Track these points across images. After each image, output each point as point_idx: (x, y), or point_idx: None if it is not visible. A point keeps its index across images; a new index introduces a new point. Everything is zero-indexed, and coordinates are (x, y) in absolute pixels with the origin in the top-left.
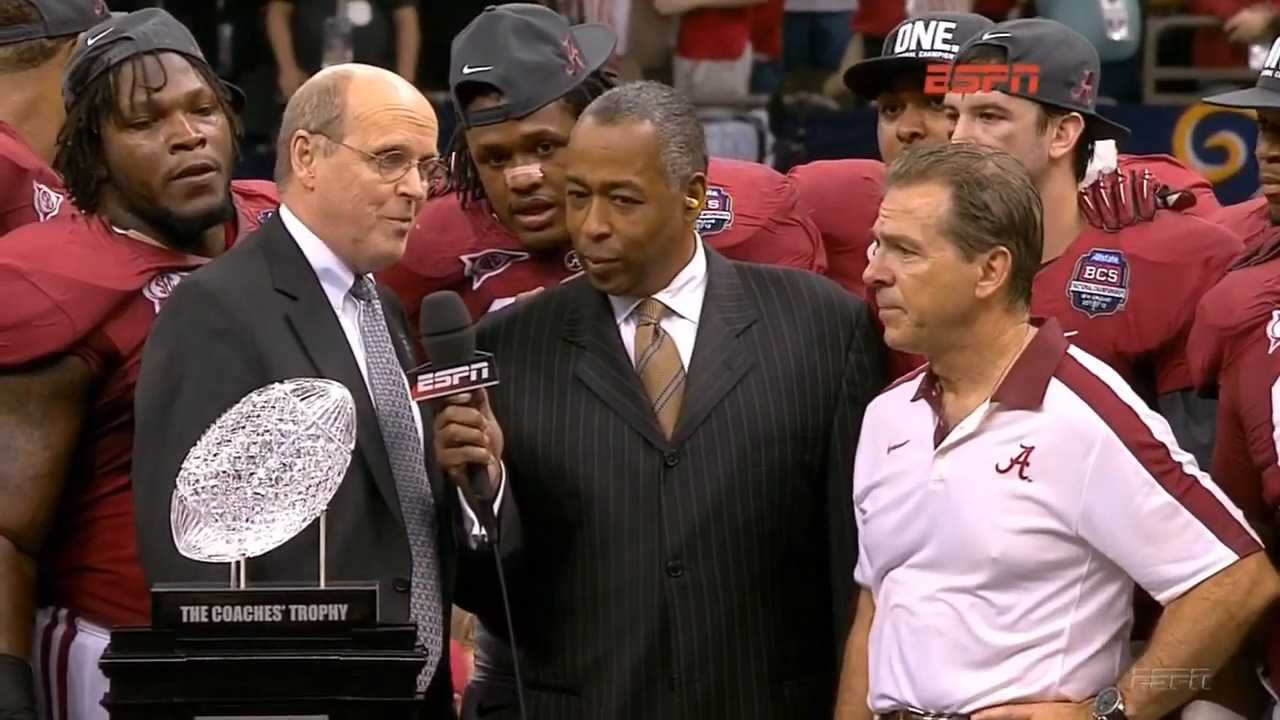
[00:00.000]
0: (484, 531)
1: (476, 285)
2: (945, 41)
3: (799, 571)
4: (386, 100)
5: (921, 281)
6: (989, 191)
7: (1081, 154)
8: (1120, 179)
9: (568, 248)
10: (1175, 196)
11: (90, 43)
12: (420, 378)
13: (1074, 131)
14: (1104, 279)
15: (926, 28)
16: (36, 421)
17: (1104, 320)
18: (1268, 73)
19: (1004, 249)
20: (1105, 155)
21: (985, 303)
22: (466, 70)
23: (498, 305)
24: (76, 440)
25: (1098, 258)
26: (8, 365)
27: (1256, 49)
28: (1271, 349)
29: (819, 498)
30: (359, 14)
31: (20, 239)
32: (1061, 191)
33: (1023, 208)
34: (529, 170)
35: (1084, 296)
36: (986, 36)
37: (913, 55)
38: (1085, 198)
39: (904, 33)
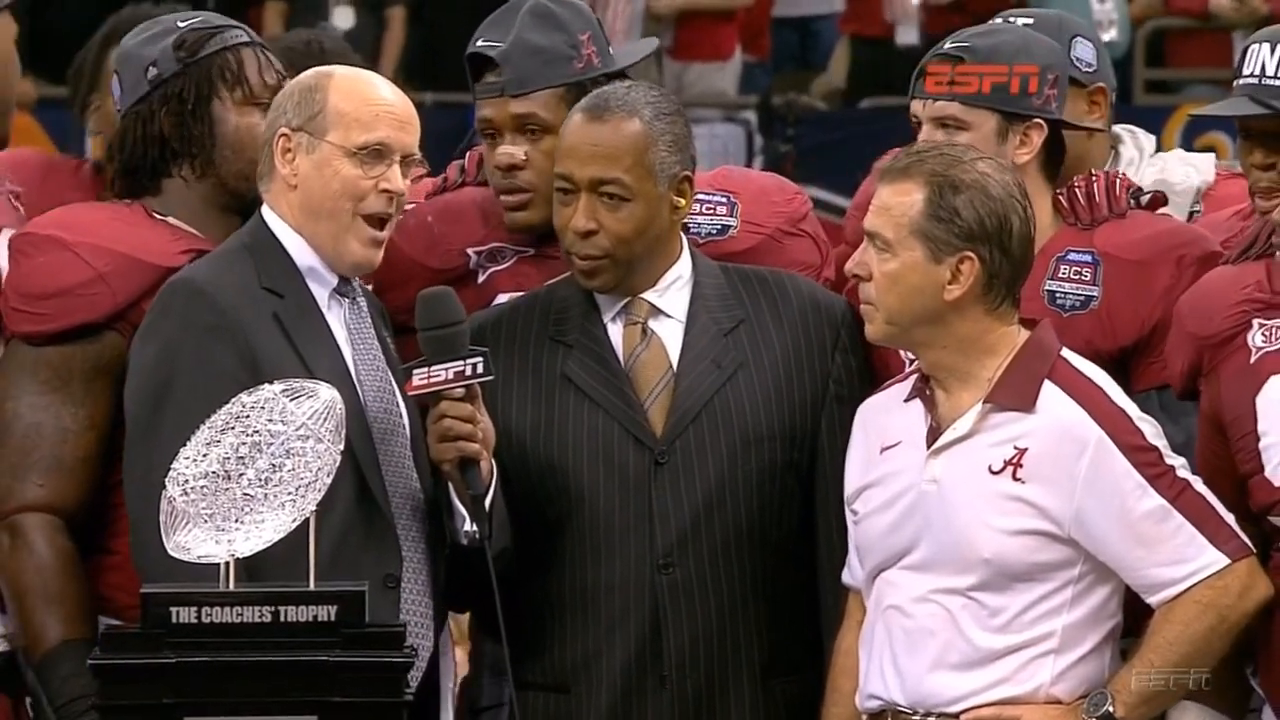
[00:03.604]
0: (475, 527)
1: (481, 279)
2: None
3: (789, 569)
4: (368, 97)
5: (891, 280)
6: (962, 196)
7: (1053, 157)
8: (1094, 178)
9: (548, 237)
10: (1148, 196)
11: (184, 25)
12: (414, 372)
13: (1037, 138)
14: (1078, 277)
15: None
16: (79, 400)
17: (1078, 318)
18: (1252, 80)
19: (971, 254)
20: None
21: (956, 306)
22: (479, 43)
23: (501, 299)
24: (114, 419)
25: (1072, 256)
26: (47, 334)
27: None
28: (1253, 359)
29: (807, 496)
30: (342, 18)
31: (64, 214)
32: (1032, 196)
33: (996, 216)
34: (512, 150)
35: (1058, 295)
36: (946, 45)
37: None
38: (1060, 197)
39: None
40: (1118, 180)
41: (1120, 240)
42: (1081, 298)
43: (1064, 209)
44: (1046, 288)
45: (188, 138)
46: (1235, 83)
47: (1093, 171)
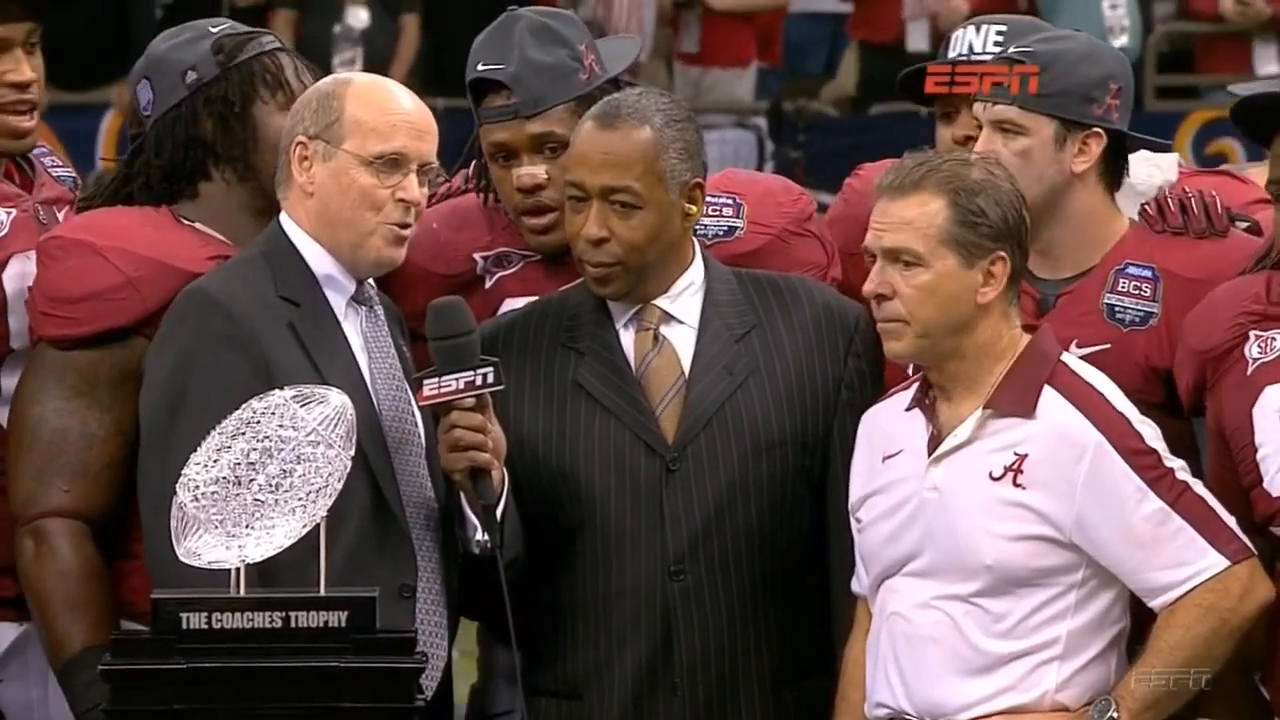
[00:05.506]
0: (487, 537)
1: (489, 284)
2: (997, 45)
3: (800, 575)
4: (385, 106)
5: (926, 293)
6: (983, 197)
7: (1114, 167)
8: (1188, 194)
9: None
10: (1246, 225)
11: (217, 30)
12: (425, 382)
13: (1096, 146)
14: (1137, 292)
15: (978, 31)
16: (106, 405)
17: (1137, 335)
18: None
19: (1002, 253)
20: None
21: (986, 309)
22: (480, 67)
23: (509, 304)
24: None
25: (1131, 270)
26: (76, 338)
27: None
28: (1250, 370)
29: (819, 502)
30: (357, 18)
31: (94, 218)
32: (1092, 206)
33: (1015, 210)
34: (534, 170)
35: (1117, 310)
36: (1011, 49)
37: (965, 59)
38: (1147, 207)
39: (956, 37)
40: (1215, 200)
41: (1182, 257)
42: (1141, 314)
43: (1150, 217)
44: (1105, 302)
45: (231, 141)
46: None
47: (1186, 189)
